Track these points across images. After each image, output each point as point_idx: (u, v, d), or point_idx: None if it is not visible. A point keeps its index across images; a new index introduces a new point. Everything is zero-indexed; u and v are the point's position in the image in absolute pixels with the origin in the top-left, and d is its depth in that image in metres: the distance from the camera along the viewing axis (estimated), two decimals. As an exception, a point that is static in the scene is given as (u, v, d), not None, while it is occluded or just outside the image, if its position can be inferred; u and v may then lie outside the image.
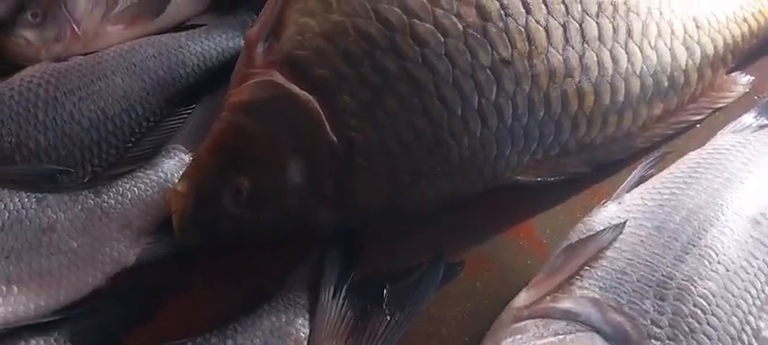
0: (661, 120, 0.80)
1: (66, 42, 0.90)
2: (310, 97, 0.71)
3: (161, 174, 0.82)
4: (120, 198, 0.79)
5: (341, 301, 0.72)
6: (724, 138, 0.77)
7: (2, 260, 0.74)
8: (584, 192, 0.78)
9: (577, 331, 0.62)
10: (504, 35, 0.72)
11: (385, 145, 0.72)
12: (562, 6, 0.75)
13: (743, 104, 0.83)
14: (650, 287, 0.63)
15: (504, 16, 0.73)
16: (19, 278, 0.74)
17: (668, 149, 0.79)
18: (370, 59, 0.71)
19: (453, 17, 0.72)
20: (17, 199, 0.76)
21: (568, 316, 0.63)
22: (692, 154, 0.76)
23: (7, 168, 0.79)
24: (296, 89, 0.71)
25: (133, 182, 0.81)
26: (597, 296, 0.64)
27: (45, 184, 0.79)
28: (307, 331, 0.72)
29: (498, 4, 0.73)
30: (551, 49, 0.74)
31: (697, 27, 0.81)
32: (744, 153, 0.74)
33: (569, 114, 0.75)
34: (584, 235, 0.69)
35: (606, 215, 0.71)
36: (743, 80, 0.84)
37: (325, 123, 0.70)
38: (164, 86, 0.87)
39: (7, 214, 0.75)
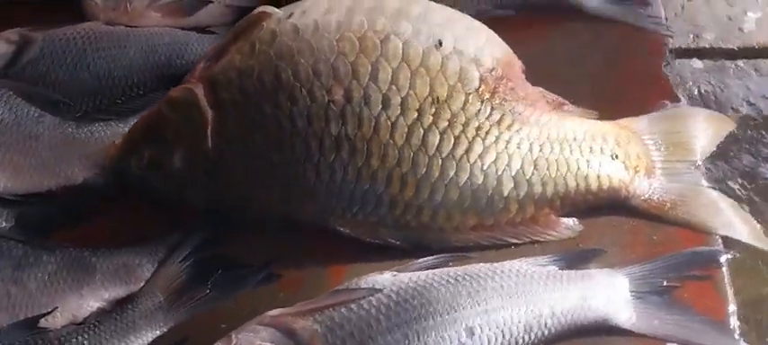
0: (475, 230, 0.95)
1: (118, 13, 1.20)
2: (209, 111, 0.95)
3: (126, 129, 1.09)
4: (89, 134, 1.08)
5: (183, 265, 0.96)
6: (511, 264, 0.90)
7: (-5, 146, 1.05)
8: (399, 261, 0.95)
9: (287, 345, 0.82)
10: (357, 118, 0.92)
11: (244, 165, 0.95)
12: (415, 113, 0.93)
13: (563, 246, 0.96)
14: (353, 338, 0.81)
15: (362, 104, 0.92)
16: (1, 162, 1.04)
17: (472, 256, 0.94)
18: (256, 99, 0.94)
19: (324, 91, 0.92)
20: (25, 110, 1.07)
21: (288, 334, 0.82)
22: (478, 265, 0.91)
23: (30, 87, 1.10)
24: (203, 101, 0.96)
25: (105, 128, 1.09)
26: (317, 328, 0.83)
27: (49, 107, 1.09)
28: (148, 275, 0.96)
29: (362, 93, 0.92)
30: (391, 141, 0.92)
31: (534, 167, 0.95)
32: (510, 280, 0.87)
33: (390, 194, 0.93)
34: (351, 287, 0.88)
35: (379, 278, 0.88)
36: (570, 225, 0.96)
37: (209, 133, 0.94)
38: (161, 68, 1.15)
39: (14, 116, 1.06)
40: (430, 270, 0.90)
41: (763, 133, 1.50)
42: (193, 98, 0.96)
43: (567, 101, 1.03)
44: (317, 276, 0.96)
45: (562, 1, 1.18)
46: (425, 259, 0.92)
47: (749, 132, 1.50)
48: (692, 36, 1.60)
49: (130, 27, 1.18)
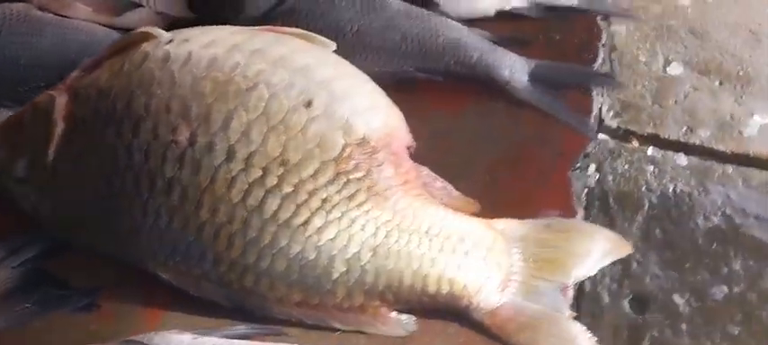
0: (300, 306, 0.89)
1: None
2: (60, 124, 0.93)
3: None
4: (-14, 121, 1.07)
5: (16, 271, 0.94)
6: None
7: None
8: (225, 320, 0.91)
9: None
10: (195, 164, 0.87)
11: (77, 189, 0.92)
12: (260, 172, 0.87)
13: (390, 342, 0.89)
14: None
15: (205, 152, 0.87)
16: None
17: (289, 334, 0.89)
18: (104, 122, 0.91)
19: (169, 129, 0.88)
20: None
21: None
22: (289, 345, 0.85)
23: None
24: (57, 113, 0.93)
25: (-2, 115, 1.08)
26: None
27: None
28: (-21, 274, 0.95)
29: (207, 139, 0.88)
30: (226, 197, 0.87)
31: (373, 254, 0.87)
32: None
33: (214, 250, 0.88)
34: (144, 341, 0.84)
35: (174, 338, 0.84)
36: (402, 323, 0.89)
37: (52, 147, 0.92)
38: (67, 64, 1.11)
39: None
40: (236, 340, 0.85)
41: (730, 250, 1.37)
42: (50, 107, 0.94)
43: (449, 186, 0.96)
44: (133, 316, 0.92)
45: (489, 77, 1.10)
46: (239, 326, 0.88)
47: (715, 246, 1.38)
48: (685, 128, 1.48)
49: (59, 16, 1.17)
